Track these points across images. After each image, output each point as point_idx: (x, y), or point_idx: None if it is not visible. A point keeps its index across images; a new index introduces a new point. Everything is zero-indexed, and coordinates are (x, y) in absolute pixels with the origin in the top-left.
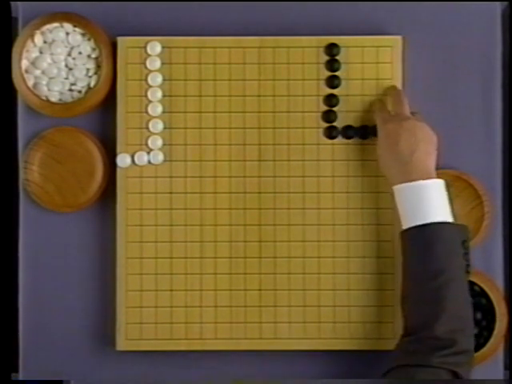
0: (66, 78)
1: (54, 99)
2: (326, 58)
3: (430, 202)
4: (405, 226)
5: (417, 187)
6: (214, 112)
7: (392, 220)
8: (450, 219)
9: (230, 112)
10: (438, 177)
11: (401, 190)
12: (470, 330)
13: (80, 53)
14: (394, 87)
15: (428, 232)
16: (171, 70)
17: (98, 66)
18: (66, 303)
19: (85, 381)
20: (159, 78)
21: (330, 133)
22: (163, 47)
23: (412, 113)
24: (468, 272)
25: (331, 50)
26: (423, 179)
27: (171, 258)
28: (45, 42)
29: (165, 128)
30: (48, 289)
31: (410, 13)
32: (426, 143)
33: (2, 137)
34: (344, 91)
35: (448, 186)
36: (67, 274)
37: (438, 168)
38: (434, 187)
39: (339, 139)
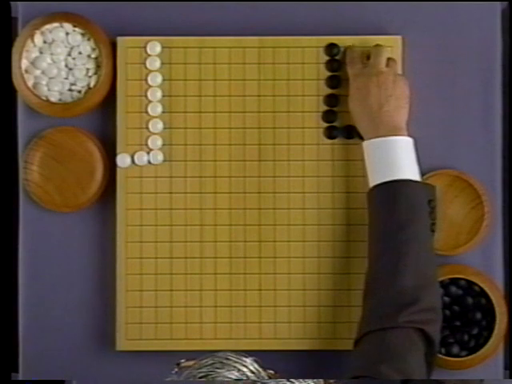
0: (66, 78)
1: (53, 99)
2: (326, 58)
3: (396, 158)
4: (371, 184)
5: (383, 143)
6: (214, 112)
7: None
8: (416, 177)
9: (230, 112)
10: (438, 177)
11: (368, 146)
12: (434, 287)
13: (80, 53)
14: (378, 45)
15: (392, 189)
16: (171, 70)
17: (98, 66)
18: (65, 303)
19: (86, 381)
20: (159, 78)
21: (330, 133)
22: (163, 47)
23: (389, 60)
24: (433, 231)
25: (331, 50)
26: (391, 135)
27: (171, 258)
28: (45, 42)
29: (165, 128)
30: (48, 289)
31: (410, 13)
32: (396, 98)
33: (2, 137)
34: (344, 91)
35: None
36: (67, 274)
37: (437, 168)
38: (401, 144)
39: (339, 139)
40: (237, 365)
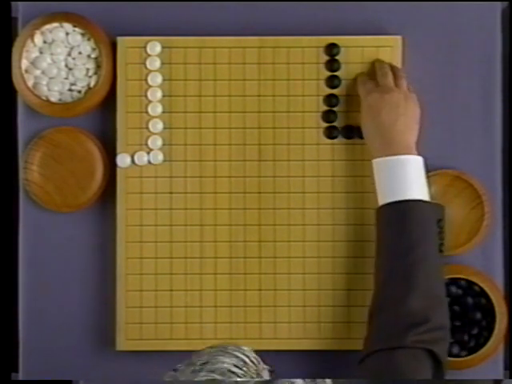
0: (66, 78)
1: (53, 99)
2: (326, 57)
3: (407, 178)
4: (381, 203)
5: (394, 162)
6: (214, 112)
7: None
8: (425, 197)
9: (230, 112)
10: (438, 177)
11: (378, 164)
12: (444, 307)
13: (80, 53)
14: (379, 60)
15: (402, 209)
16: (171, 70)
17: (98, 66)
18: (65, 303)
19: (86, 381)
20: (159, 78)
21: (330, 133)
22: (163, 47)
23: (399, 77)
24: (441, 251)
25: (331, 50)
26: (402, 154)
27: (171, 258)
28: (45, 42)
29: (165, 128)
30: (48, 289)
31: (410, 13)
32: (406, 117)
33: (2, 137)
34: (344, 91)
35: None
36: (67, 274)
37: (437, 168)
38: (411, 163)
39: (339, 139)
40: (236, 353)
